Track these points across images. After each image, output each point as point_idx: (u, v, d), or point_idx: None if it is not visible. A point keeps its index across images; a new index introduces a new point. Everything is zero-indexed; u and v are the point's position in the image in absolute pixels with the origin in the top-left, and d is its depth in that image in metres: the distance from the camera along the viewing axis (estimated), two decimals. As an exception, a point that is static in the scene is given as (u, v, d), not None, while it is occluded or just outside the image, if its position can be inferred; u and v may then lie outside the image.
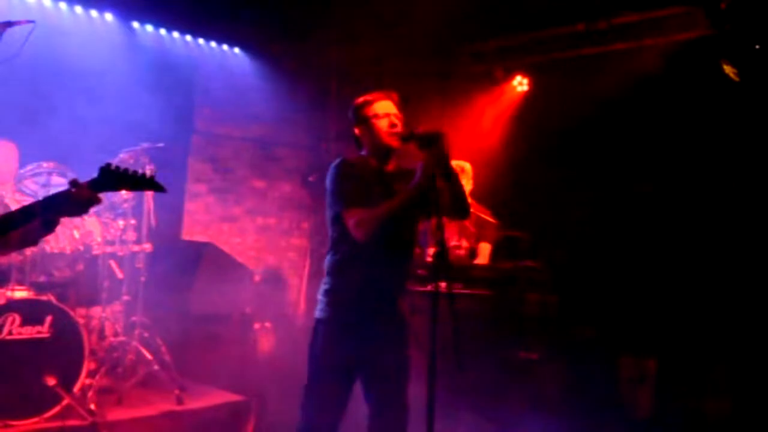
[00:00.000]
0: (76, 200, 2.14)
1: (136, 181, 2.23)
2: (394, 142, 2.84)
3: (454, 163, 4.64)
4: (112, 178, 2.18)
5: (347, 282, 2.84)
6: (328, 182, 2.88)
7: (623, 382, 5.29)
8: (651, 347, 5.25)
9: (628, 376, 5.30)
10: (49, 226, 2.20)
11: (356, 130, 2.94)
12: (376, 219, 2.72)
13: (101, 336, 4.65)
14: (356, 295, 2.82)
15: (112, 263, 4.69)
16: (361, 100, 2.92)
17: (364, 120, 2.88)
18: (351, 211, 2.75)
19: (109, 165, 2.18)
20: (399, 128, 2.83)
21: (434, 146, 2.66)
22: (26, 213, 2.17)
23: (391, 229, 2.80)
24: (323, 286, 2.88)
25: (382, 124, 2.84)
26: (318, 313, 2.87)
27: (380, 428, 2.86)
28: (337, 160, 2.88)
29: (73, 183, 2.16)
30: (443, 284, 2.67)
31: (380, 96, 2.88)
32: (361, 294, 2.82)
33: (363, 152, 2.96)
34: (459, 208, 2.92)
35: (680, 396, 4.98)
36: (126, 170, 2.20)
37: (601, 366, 5.11)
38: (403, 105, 2.92)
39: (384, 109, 2.85)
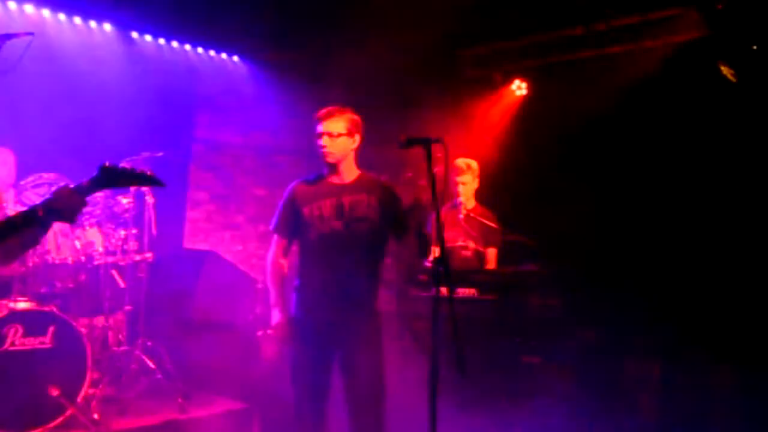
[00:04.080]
0: (66, 205, 2.18)
1: (135, 177, 2.29)
2: (327, 160, 3.16)
3: (461, 160, 4.71)
4: (112, 175, 2.24)
5: (309, 281, 3.15)
6: None
7: (628, 384, 5.27)
8: (655, 350, 5.23)
9: (632, 379, 5.27)
10: (46, 226, 2.24)
11: None
12: (268, 279, 3.27)
13: (104, 346, 4.66)
14: (317, 293, 3.11)
15: (114, 273, 4.70)
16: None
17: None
18: (275, 237, 3.28)
19: (107, 163, 2.24)
20: (327, 149, 3.12)
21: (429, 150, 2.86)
22: (28, 218, 2.19)
23: (334, 239, 3.10)
24: (294, 285, 3.18)
25: (318, 144, 3.17)
26: (292, 310, 3.17)
27: (352, 421, 3.11)
28: (293, 183, 3.26)
29: (64, 189, 2.19)
30: (444, 289, 2.70)
31: (323, 114, 3.17)
32: (321, 292, 3.10)
33: None
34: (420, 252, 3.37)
35: (685, 399, 4.95)
36: (124, 168, 2.26)
37: (605, 369, 5.09)
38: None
39: (321, 129, 3.15)
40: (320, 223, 3.12)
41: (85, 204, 2.22)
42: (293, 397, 3.17)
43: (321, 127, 3.14)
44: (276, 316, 3.16)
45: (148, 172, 2.30)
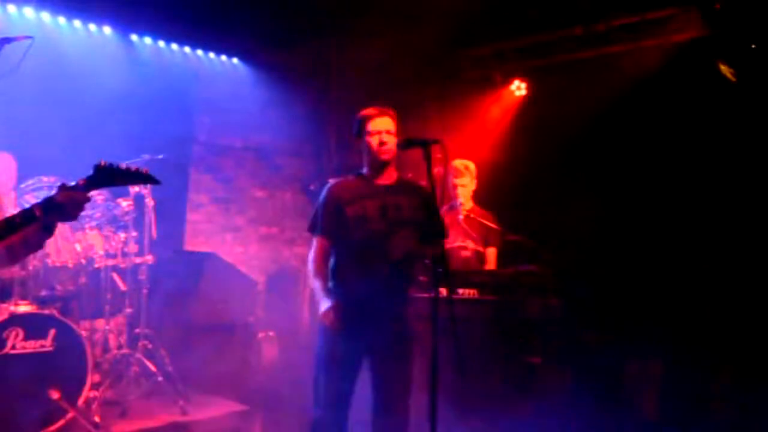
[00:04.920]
0: (67, 202, 2.19)
1: (130, 176, 2.31)
2: (384, 157, 3.07)
3: (458, 162, 4.71)
4: (107, 174, 2.25)
5: (343, 285, 3.06)
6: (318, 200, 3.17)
7: (629, 385, 5.26)
8: (657, 350, 5.22)
9: (633, 379, 5.26)
10: (49, 229, 2.25)
11: (357, 142, 3.19)
12: (311, 277, 3.11)
13: (105, 348, 4.66)
14: (350, 297, 3.01)
15: (115, 276, 4.70)
16: (361, 114, 3.13)
17: (361, 134, 3.14)
18: (317, 239, 3.13)
19: (102, 163, 2.25)
20: (388, 146, 3.05)
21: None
22: (26, 216, 2.20)
23: (376, 240, 3.01)
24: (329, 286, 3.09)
25: (374, 141, 3.07)
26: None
27: (380, 427, 3.04)
28: (329, 183, 3.16)
29: (62, 187, 2.20)
30: (443, 290, 2.71)
31: (376, 112, 3.10)
32: (354, 296, 3.00)
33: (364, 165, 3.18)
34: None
35: (686, 399, 4.94)
36: (120, 167, 2.27)
37: (606, 369, 5.08)
38: (401, 119, 3.12)
39: (377, 126, 3.08)
40: (363, 223, 3.03)
41: (83, 202, 2.23)
42: (312, 400, 3.06)
43: (378, 125, 3.06)
44: (326, 303, 3.00)
45: (144, 171, 2.32)
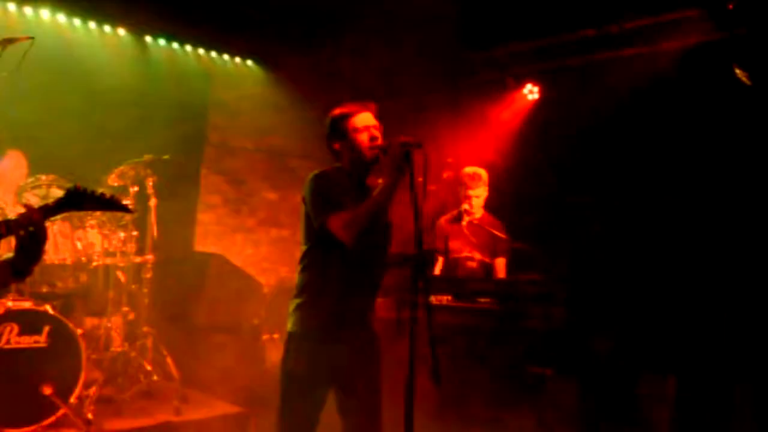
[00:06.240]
0: (30, 223, 2.16)
1: (101, 203, 2.34)
2: (372, 158, 2.76)
3: (470, 169, 4.62)
4: (79, 198, 2.27)
5: (319, 298, 2.76)
6: (305, 195, 2.81)
7: (641, 400, 5.11)
8: (670, 364, 5.05)
9: (646, 393, 5.11)
10: (20, 276, 2.24)
11: (335, 144, 2.84)
12: (360, 217, 2.62)
13: (105, 346, 4.68)
14: (328, 310, 2.75)
15: (119, 274, 4.73)
16: (338, 112, 2.82)
17: (343, 133, 2.79)
18: (336, 216, 2.63)
19: (78, 187, 2.28)
20: (379, 141, 2.76)
21: (409, 156, 2.60)
22: None
23: (364, 246, 2.71)
24: (295, 301, 2.81)
25: (363, 138, 2.76)
26: (290, 328, 2.80)
27: None
28: (314, 173, 2.81)
29: (29, 208, 2.20)
30: (422, 296, 2.62)
31: (359, 108, 2.80)
32: (333, 310, 2.74)
33: (341, 166, 2.85)
34: None
35: (701, 415, 4.77)
36: (93, 192, 2.29)
37: (617, 383, 4.94)
38: (380, 116, 2.83)
39: (364, 122, 2.78)
40: None
41: (44, 224, 2.22)
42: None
43: (365, 120, 2.76)
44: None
45: (116, 200, 2.35)
